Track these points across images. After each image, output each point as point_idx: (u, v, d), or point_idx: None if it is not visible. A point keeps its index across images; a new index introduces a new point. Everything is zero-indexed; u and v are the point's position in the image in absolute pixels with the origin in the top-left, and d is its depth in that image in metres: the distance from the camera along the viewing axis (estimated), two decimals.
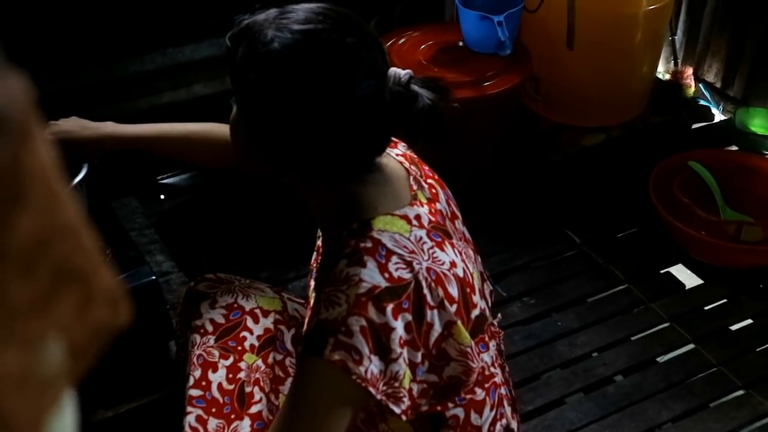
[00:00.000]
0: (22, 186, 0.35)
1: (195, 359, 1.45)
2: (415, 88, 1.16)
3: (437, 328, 1.16)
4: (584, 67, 2.63)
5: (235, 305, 1.50)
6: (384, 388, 1.11)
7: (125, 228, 1.81)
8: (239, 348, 1.45)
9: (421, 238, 1.18)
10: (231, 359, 1.44)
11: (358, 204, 1.20)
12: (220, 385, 1.42)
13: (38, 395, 0.37)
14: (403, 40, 2.53)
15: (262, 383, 1.43)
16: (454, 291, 1.18)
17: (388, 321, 1.10)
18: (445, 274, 1.18)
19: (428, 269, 1.16)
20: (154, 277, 1.59)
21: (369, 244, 1.14)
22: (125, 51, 2.29)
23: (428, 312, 1.15)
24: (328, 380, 1.11)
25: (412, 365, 1.14)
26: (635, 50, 2.66)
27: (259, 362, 1.45)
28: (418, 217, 1.20)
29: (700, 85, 3.05)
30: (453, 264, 1.20)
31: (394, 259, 1.14)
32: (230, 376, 1.42)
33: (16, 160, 0.34)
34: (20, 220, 0.35)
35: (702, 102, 2.99)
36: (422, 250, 1.17)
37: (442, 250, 1.20)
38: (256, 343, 1.46)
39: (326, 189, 1.23)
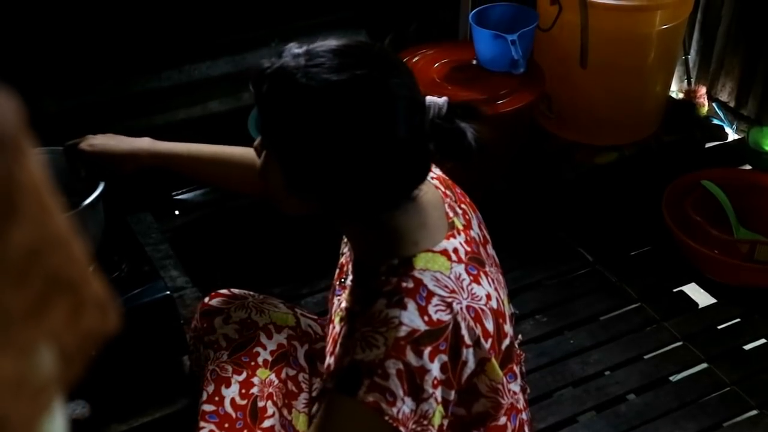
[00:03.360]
0: (16, 200, 0.37)
1: (208, 374, 1.46)
2: (459, 123, 1.14)
3: (471, 366, 1.16)
4: (597, 86, 2.63)
5: (249, 321, 1.50)
6: (414, 426, 1.11)
7: (140, 243, 1.82)
8: (252, 363, 1.46)
9: (460, 275, 1.17)
10: (244, 375, 1.44)
11: (397, 237, 1.18)
12: (233, 400, 1.42)
13: (32, 400, 0.38)
14: (417, 58, 2.54)
15: (275, 398, 1.43)
16: (490, 325, 1.18)
17: (424, 364, 1.10)
18: (482, 310, 1.17)
19: (468, 307, 1.15)
20: (168, 292, 1.60)
21: (410, 285, 1.13)
22: (142, 67, 2.31)
23: (464, 351, 1.14)
24: (358, 420, 1.11)
25: (445, 402, 1.14)
26: (648, 69, 2.67)
27: (273, 377, 1.45)
28: (456, 251, 1.19)
29: (714, 104, 3.05)
30: (488, 297, 1.19)
31: (435, 300, 1.12)
32: (243, 391, 1.43)
33: (9, 176, 0.36)
34: (14, 231, 0.36)
35: (715, 121, 2.99)
36: (462, 287, 1.16)
37: (479, 283, 1.19)
38: (270, 359, 1.47)
39: (365, 223, 1.21)
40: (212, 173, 1.56)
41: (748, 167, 2.76)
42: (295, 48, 1.13)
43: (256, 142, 1.23)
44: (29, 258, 0.37)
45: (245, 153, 1.50)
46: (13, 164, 0.36)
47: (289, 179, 1.17)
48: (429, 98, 1.15)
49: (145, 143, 1.53)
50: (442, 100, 1.16)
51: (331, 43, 1.13)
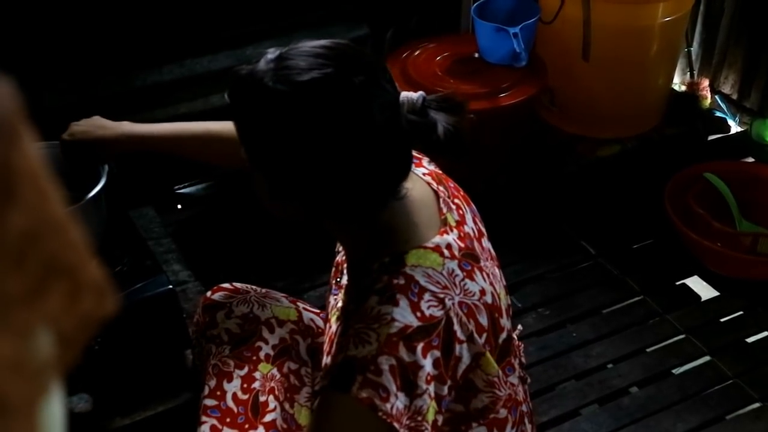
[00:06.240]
0: (13, 184, 0.37)
1: (210, 369, 1.46)
2: (432, 114, 1.13)
3: (465, 361, 1.16)
4: (600, 79, 2.63)
5: (251, 315, 1.50)
6: (407, 422, 1.10)
7: (143, 237, 1.83)
8: (254, 358, 1.46)
9: (453, 270, 1.16)
10: (246, 369, 1.45)
11: (388, 235, 1.17)
12: (234, 395, 1.42)
13: (31, 381, 0.38)
14: (418, 52, 2.54)
15: (276, 392, 1.43)
16: (483, 320, 1.18)
17: (417, 360, 1.09)
18: (476, 305, 1.17)
19: (460, 303, 1.15)
20: (170, 286, 1.60)
21: (402, 281, 1.12)
22: (143, 62, 2.31)
23: (457, 346, 1.14)
24: (353, 417, 1.11)
25: (438, 398, 1.14)
26: (651, 62, 2.66)
27: (274, 371, 1.45)
28: (449, 247, 1.18)
29: (716, 96, 3.04)
30: (483, 292, 1.19)
31: (427, 296, 1.12)
32: (245, 386, 1.43)
33: (7, 160, 0.37)
34: (11, 215, 0.37)
35: (718, 113, 2.98)
36: (454, 284, 1.16)
37: (473, 279, 1.18)
38: (271, 353, 1.47)
39: (352, 225, 1.21)
40: (197, 150, 1.56)
41: (750, 160, 2.75)
42: (269, 53, 1.13)
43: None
44: (27, 242, 0.38)
45: (224, 127, 1.50)
46: (10, 149, 0.37)
47: (270, 186, 1.17)
48: (403, 94, 1.14)
49: (124, 127, 1.54)
50: (417, 95, 1.14)
51: (305, 45, 1.12)
